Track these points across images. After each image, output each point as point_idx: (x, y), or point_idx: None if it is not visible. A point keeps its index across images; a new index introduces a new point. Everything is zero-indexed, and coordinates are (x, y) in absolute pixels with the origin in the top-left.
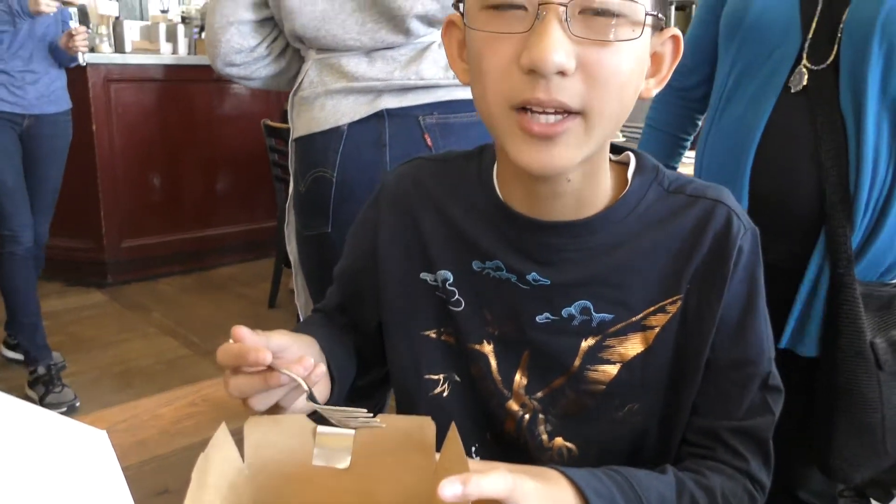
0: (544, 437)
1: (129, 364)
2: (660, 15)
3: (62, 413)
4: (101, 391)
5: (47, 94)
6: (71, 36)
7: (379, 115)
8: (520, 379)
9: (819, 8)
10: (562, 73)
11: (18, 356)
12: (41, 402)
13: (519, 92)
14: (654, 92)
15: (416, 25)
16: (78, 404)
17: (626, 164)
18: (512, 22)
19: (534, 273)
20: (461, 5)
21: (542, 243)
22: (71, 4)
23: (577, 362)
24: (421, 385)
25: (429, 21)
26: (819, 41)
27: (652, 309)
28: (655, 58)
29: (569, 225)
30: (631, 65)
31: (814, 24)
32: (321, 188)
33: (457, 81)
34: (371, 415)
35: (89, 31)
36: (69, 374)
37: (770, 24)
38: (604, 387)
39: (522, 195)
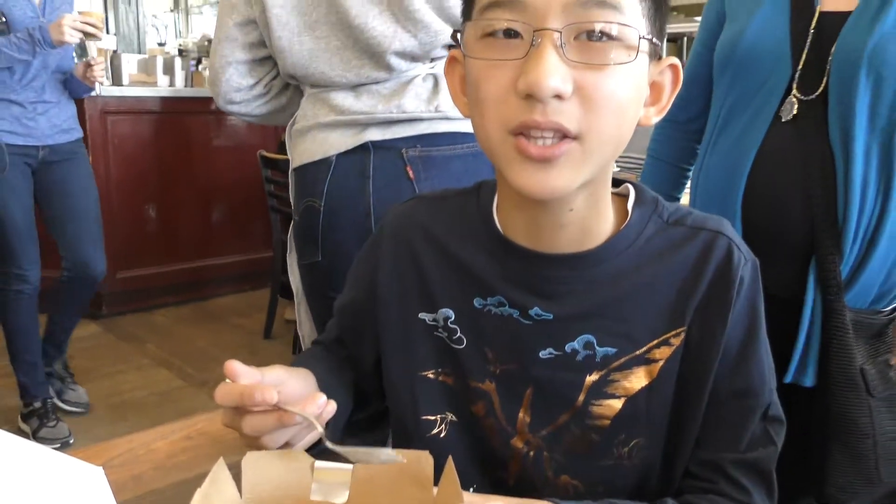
0: (549, 473)
1: (124, 396)
2: (655, 40)
3: (55, 449)
4: (96, 423)
5: (59, 123)
6: (89, 66)
7: (364, 147)
8: (523, 416)
9: (809, 40)
10: (558, 97)
11: (74, 409)
12: (34, 435)
13: (516, 116)
14: (654, 120)
15: (395, 61)
16: (72, 441)
17: (626, 197)
18: (508, 49)
19: (536, 308)
20: (459, 35)
21: (544, 276)
22: (94, 37)
23: (581, 397)
24: (418, 426)
25: (408, 57)
26: (809, 72)
27: (655, 342)
28: (655, 87)
29: (570, 257)
30: (627, 89)
31: (804, 56)
32: (311, 217)
33: (439, 115)
34: (392, 451)
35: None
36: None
37: (761, 55)
38: (609, 422)
39: (524, 227)
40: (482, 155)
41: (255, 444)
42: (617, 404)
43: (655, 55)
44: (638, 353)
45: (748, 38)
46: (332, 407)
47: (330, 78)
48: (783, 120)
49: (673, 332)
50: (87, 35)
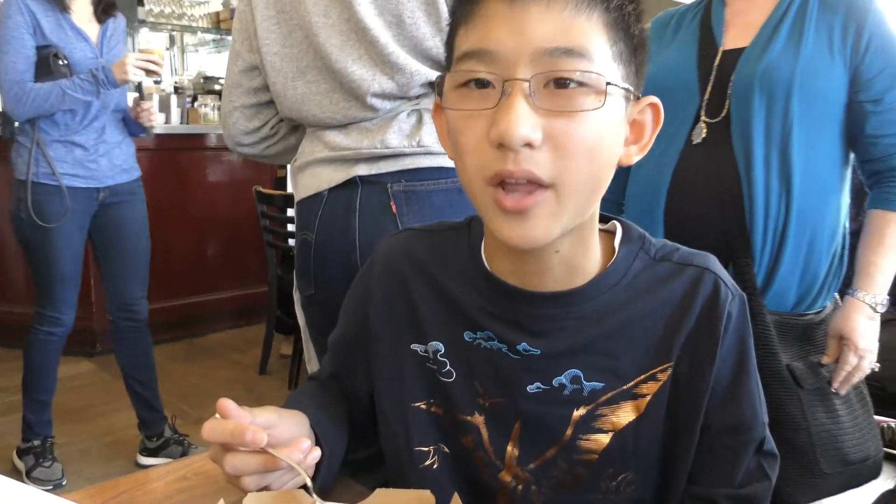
0: None
1: (118, 434)
2: (626, 86)
3: (48, 491)
4: (91, 462)
5: (120, 163)
6: (138, 105)
7: (353, 182)
8: (511, 450)
9: (714, 72)
10: (529, 146)
11: (154, 461)
12: (27, 475)
13: (491, 166)
14: (636, 159)
15: (376, 101)
16: (65, 483)
17: (613, 233)
18: (481, 99)
19: (524, 343)
20: (440, 86)
21: (531, 314)
22: (155, 74)
23: (569, 432)
24: (411, 457)
25: (388, 97)
26: (714, 100)
27: (643, 377)
28: (635, 125)
29: (557, 295)
30: (600, 134)
31: (709, 87)
32: (305, 250)
33: (421, 149)
34: None
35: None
36: (58, 446)
37: (673, 89)
38: (596, 456)
39: (511, 267)
40: (462, 189)
41: (235, 482)
42: (604, 439)
43: (632, 96)
44: (625, 387)
45: (661, 76)
46: (316, 453)
47: (321, 119)
48: (695, 142)
49: (660, 368)
50: (147, 73)
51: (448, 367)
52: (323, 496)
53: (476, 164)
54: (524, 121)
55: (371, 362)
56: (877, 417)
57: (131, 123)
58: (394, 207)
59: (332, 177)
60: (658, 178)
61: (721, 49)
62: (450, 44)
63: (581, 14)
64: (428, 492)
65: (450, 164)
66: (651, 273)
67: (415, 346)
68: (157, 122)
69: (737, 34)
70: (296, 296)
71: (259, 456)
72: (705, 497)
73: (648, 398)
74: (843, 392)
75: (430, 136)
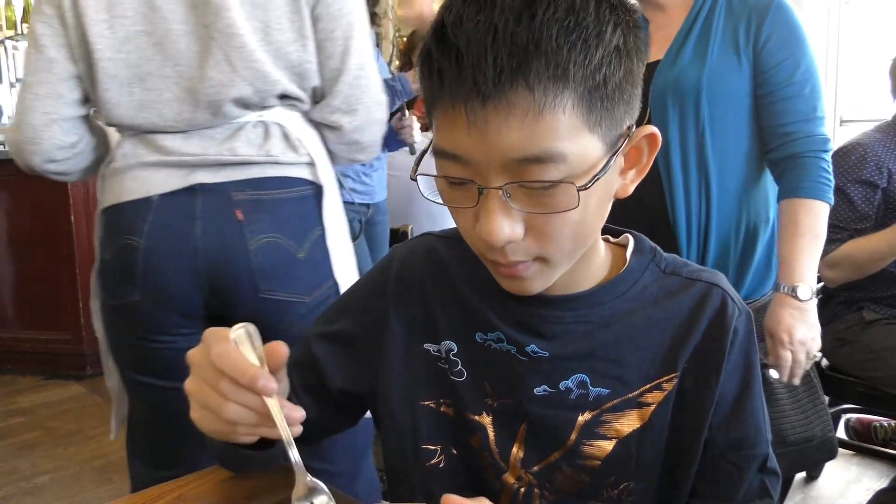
0: None
1: (110, 458)
2: (604, 165)
3: None
4: (82, 487)
5: (382, 179)
6: (401, 120)
7: (192, 189)
8: (517, 452)
9: None
10: (512, 241)
11: None
12: None
13: (484, 253)
14: (632, 186)
15: (231, 109)
16: None
17: (625, 246)
18: (464, 194)
19: (533, 345)
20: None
21: (540, 315)
22: None
23: (573, 436)
24: (418, 454)
25: (243, 104)
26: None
27: (648, 386)
28: (633, 151)
29: (568, 298)
30: (581, 214)
31: None
32: (128, 256)
33: (270, 159)
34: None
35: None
36: (49, 471)
37: None
38: (599, 462)
39: None
40: (307, 199)
41: (213, 423)
42: (608, 446)
43: (619, 149)
44: (630, 395)
45: None
46: (298, 428)
47: (159, 126)
48: None
49: (665, 378)
50: None
51: (459, 366)
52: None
53: (472, 243)
54: (503, 227)
55: (381, 359)
56: (869, 417)
57: (392, 138)
58: (239, 216)
59: (165, 182)
60: None
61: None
62: (429, 117)
63: (545, 113)
64: None
65: (296, 174)
66: (660, 285)
67: (427, 346)
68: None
69: (657, 48)
70: (95, 306)
71: (257, 408)
72: None
73: (653, 408)
74: (796, 383)
75: (276, 146)
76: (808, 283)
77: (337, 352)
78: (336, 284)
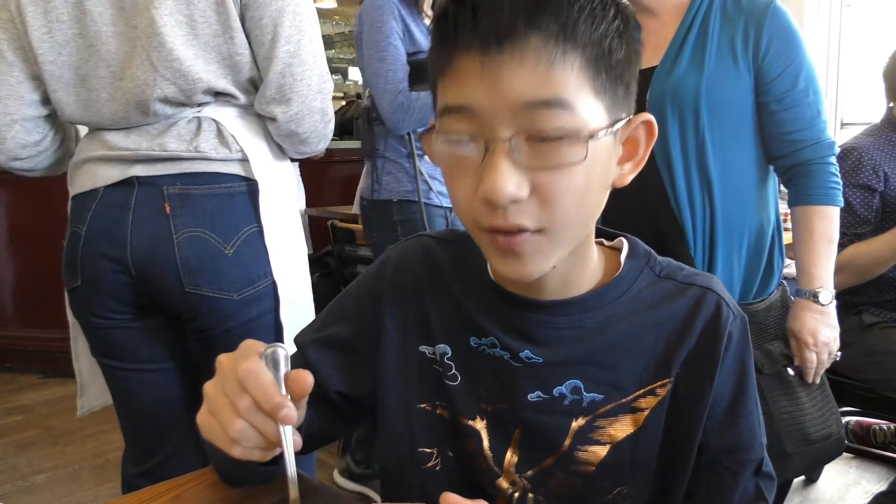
0: None
1: (109, 456)
2: (609, 124)
3: None
4: (81, 486)
5: None
6: None
7: (129, 182)
8: (511, 457)
9: None
10: (516, 201)
11: (358, 488)
12: None
13: (482, 219)
14: (630, 178)
15: (159, 107)
16: None
17: (619, 250)
18: (468, 153)
19: (527, 351)
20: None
21: (534, 321)
22: None
23: (567, 442)
24: (414, 458)
25: (171, 103)
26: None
27: (642, 391)
28: (629, 142)
29: (561, 303)
30: (587, 177)
31: None
32: (74, 243)
33: (198, 154)
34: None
35: None
36: (47, 469)
37: None
38: (593, 468)
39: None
40: (239, 195)
41: (220, 437)
42: (602, 451)
43: (620, 123)
44: (624, 400)
45: None
46: (298, 447)
47: (102, 124)
48: None
49: (659, 383)
50: None
51: (453, 370)
52: None
53: (469, 214)
54: (508, 180)
55: (376, 363)
56: (868, 420)
57: None
58: (168, 209)
59: (108, 175)
60: None
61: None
62: (434, 88)
63: (556, 64)
64: None
65: (225, 170)
66: (655, 290)
67: (423, 348)
68: None
69: (650, 53)
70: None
71: (267, 433)
72: None
73: (647, 413)
74: (816, 381)
75: (207, 142)
76: (827, 287)
77: (333, 356)
78: (273, 283)
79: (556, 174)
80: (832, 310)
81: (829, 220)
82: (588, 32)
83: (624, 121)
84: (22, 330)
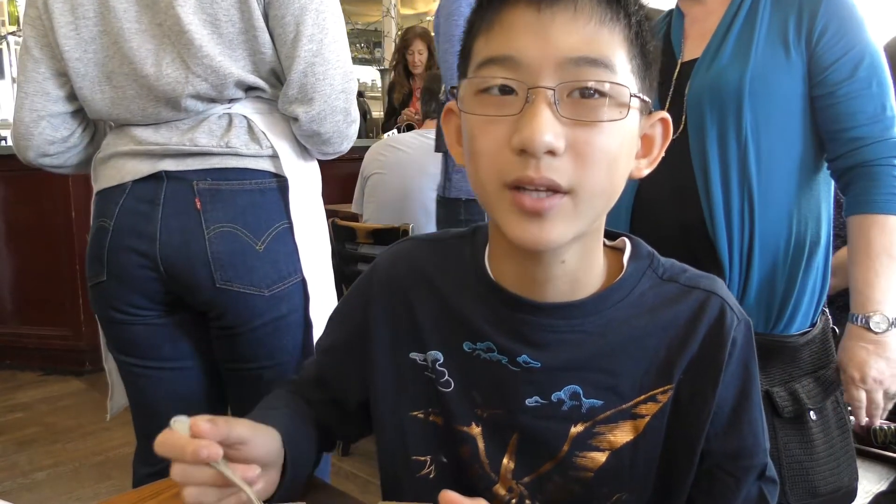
0: None
1: (109, 454)
2: (645, 98)
3: None
4: (81, 483)
5: None
6: None
7: (158, 177)
8: (507, 463)
9: (672, 87)
10: (551, 153)
11: None
12: None
13: (511, 171)
14: (645, 172)
15: (191, 103)
16: None
17: (621, 250)
18: (503, 106)
19: (524, 355)
20: (456, 91)
21: (533, 324)
22: None
23: (565, 447)
24: (408, 466)
25: (203, 98)
26: (672, 113)
27: (643, 397)
28: (646, 139)
29: (561, 306)
30: (619, 145)
31: (668, 100)
32: (101, 237)
33: (229, 150)
34: None
35: None
36: (47, 467)
37: None
38: (591, 474)
39: (515, 275)
40: (269, 191)
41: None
42: (601, 457)
43: (646, 110)
44: (624, 406)
45: None
46: (260, 485)
47: (131, 121)
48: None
49: (660, 389)
50: None
51: (446, 376)
52: None
53: (494, 168)
54: (548, 128)
55: (368, 369)
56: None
57: None
58: (198, 204)
59: (136, 169)
60: (623, 194)
61: (679, 61)
62: (466, 51)
63: (605, 26)
64: None
65: (256, 166)
66: (657, 293)
67: (413, 355)
68: None
69: (694, 44)
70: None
71: (211, 470)
72: None
73: (647, 419)
74: (874, 423)
75: (238, 138)
76: (884, 311)
77: (336, 365)
78: (303, 280)
79: (593, 132)
80: (890, 339)
81: (890, 231)
82: (636, 6)
83: (647, 111)
84: (22, 327)
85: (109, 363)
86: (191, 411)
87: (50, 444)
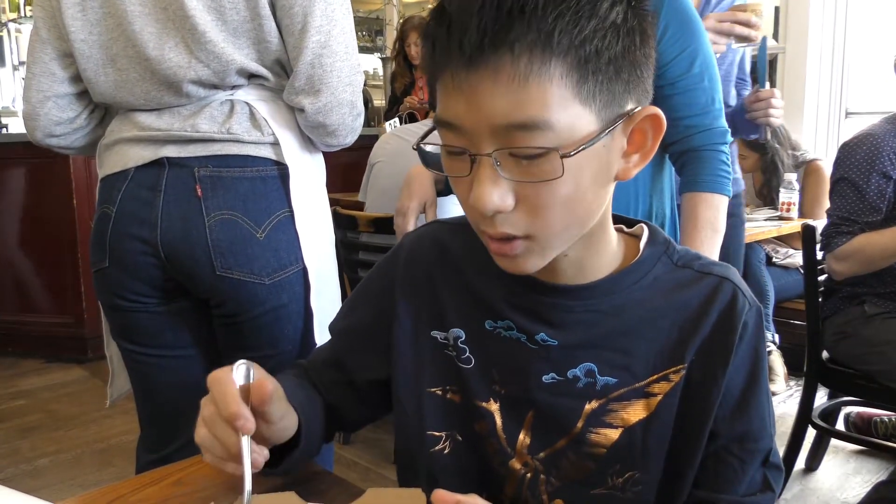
0: (544, 497)
1: (111, 441)
2: (594, 135)
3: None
4: (83, 470)
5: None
6: (756, 94)
7: (160, 163)
8: (523, 438)
9: None
10: (501, 211)
11: None
12: None
13: (476, 222)
14: (637, 170)
15: (192, 89)
16: None
17: (639, 237)
18: (460, 164)
19: (542, 333)
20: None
21: (548, 304)
22: (749, 41)
23: (579, 424)
24: (423, 441)
25: (205, 84)
26: None
27: (655, 377)
28: (637, 133)
29: (573, 288)
30: (575, 184)
31: None
32: (103, 223)
33: (231, 136)
34: None
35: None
36: (50, 454)
37: None
38: (605, 450)
39: None
40: (270, 179)
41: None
42: (614, 434)
43: (621, 121)
44: (638, 385)
45: None
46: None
47: (134, 105)
48: None
49: (673, 369)
50: (739, 39)
51: (467, 353)
52: (319, 496)
53: (469, 217)
54: (492, 193)
55: (392, 347)
56: (871, 410)
57: (740, 121)
58: (199, 191)
59: (139, 155)
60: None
61: None
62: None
63: (531, 79)
64: (419, 490)
65: (257, 153)
66: (671, 277)
67: (435, 333)
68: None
69: None
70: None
71: (228, 443)
72: (708, 502)
73: (660, 398)
74: None
75: (239, 125)
76: None
77: (354, 345)
78: (304, 269)
79: (540, 186)
80: None
81: (714, 208)
82: (567, 39)
83: (621, 122)
84: (25, 315)
85: (111, 349)
86: (195, 399)
87: (52, 431)
